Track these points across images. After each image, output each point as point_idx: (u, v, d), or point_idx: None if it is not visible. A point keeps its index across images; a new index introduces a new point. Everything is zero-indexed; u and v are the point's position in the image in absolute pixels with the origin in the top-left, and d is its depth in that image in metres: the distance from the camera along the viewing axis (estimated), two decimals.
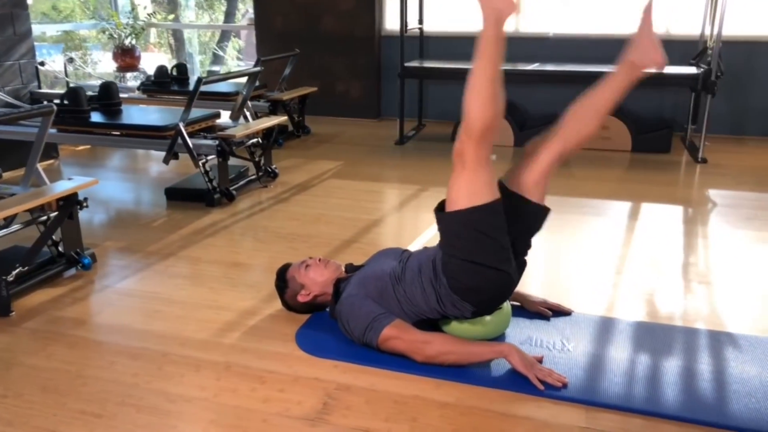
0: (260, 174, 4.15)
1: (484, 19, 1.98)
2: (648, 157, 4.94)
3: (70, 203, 2.69)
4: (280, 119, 4.25)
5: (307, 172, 4.49)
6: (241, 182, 4.01)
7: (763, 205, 3.75)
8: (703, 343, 2.18)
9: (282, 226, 3.39)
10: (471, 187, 2.01)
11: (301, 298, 2.32)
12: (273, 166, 4.29)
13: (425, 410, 1.84)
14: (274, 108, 5.24)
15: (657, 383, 1.93)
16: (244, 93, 4.25)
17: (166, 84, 5.67)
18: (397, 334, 2.05)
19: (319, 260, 2.37)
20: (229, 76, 4.12)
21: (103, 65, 8.81)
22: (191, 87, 5.73)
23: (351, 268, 2.37)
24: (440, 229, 2.10)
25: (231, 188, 3.80)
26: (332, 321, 2.30)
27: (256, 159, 4.11)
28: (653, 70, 2.13)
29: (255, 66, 5.21)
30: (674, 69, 5.06)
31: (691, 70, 4.92)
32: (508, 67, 5.29)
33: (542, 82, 5.81)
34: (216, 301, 2.53)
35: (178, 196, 3.81)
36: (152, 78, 5.69)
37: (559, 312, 2.40)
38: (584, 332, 2.25)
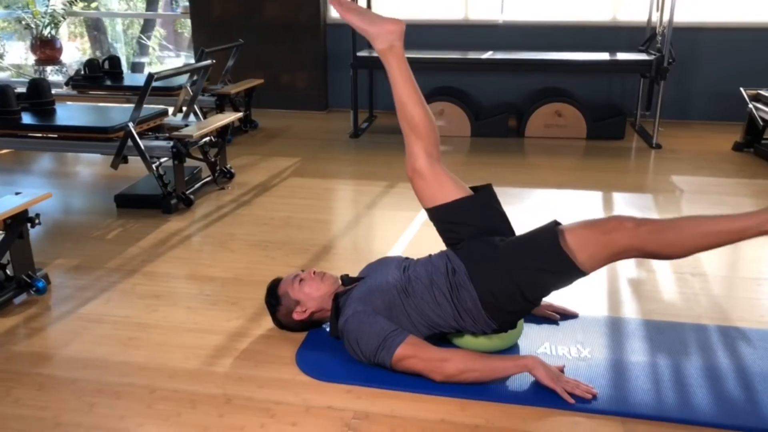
0: (216, 175, 3.88)
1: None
2: (603, 144, 4.98)
3: (20, 221, 2.38)
4: (236, 115, 3.99)
5: (264, 170, 4.25)
6: (197, 185, 3.73)
7: (727, 190, 3.82)
8: (715, 339, 2.14)
9: (251, 232, 3.16)
10: (589, 248, 1.87)
11: (296, 316, 2.13)
12: (228, 166, 4.03)
13: None
14: (221, 102, 4.94)
15: (685, 387, 1.87)
16: (194, 88, 3.96)
17: (99, 79, 5.26)
18: (413, 353, 1.90)
19: (314, 273, 2.18)
20: (181, 70, 3.81)
21: (12, 57, 8.16)
22: (126, 82, 5.39)
23: (348, 280, 2.19)
24: (535, 250, 1.91)
25: (188, 192, 3.52)
26: (332, 339, 2.13)
27: (211, 159, 3.84)
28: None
29: (199, 59, 4.90)
30: (626, 56, 5.11)
31: (644, 56, 4.97)
32: (459, 56, 5.21)
33: (494, 71, 5.77)
34: (197, 323, 2.30)
35: (130, 203, 3.50)
36: (82, 72, 5.25)
37: (566, 315, 2.31)
38: (596, 335, 2.17)
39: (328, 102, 6.27)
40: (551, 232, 1.91)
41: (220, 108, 4.92)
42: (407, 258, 2.21)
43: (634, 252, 1.86)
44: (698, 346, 2.10)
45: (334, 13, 6.09)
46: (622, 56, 5.08)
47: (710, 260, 2.81)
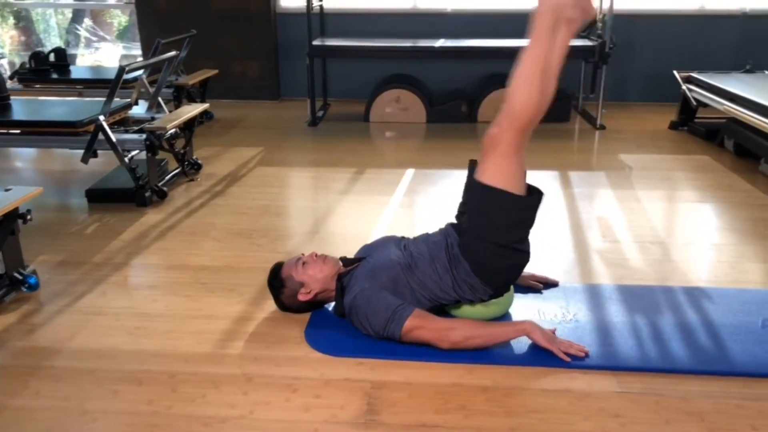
0: (186, 167, 3.89)
1: (542, 5, 1.92)
2: (551, 126, 5.22)
3: (11, 218, 2.37)
4: (203, 106, 3.99)
5: (230, 161, 4.27)
6: (167, 177, 3.73)
7: (670, 166, 4.13)
8: (682, 299, 2.38)
9: (232, 221, 3.22)
10: (508, 174, 2.00)
11: (302, 297, 2.23)
12: (195, 157, 4.04)
13: (470, 397, 1.86)
14: (179, 94, 4.91)
15: (663, 341, 2.09)
16: (159, 80, 3.94)
17: (45, 72, 5.11)
18: (421, 324, 2.04)
19: (316, 256, 2.28)
20: (150, 62, 3.78)
21: None
22: (73, 74, 5.25)
23: (348, 261, 2.30)
24: (478, 204, 2.04)
25: (160, 185, 3.52)
26: (335, 317, 2.24)
27: (180, 151, 3.84)
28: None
29: (153, 50, 4.84)
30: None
31: (586, 42, 5.25)
32: (410, 44, 5.35)
33: (445, 58, 5.94)
34: (200, 310, 2.36)
35: (102, 197, 3.47)
36: (28, 66, 5.09)
37: (547, 284, 2.50)
38: (578, 301, 2.37)
39: (280, 91, 6.29)
40: (474, 182, 2.06)
41: (177, 100, 4.88)
42: (403, 237, 2.35)
43: (515, 135, 1.97)
44: (669, 306, 2.33)
45: (284, 1, 6.11)
46: None
47: (667, 229, 3.07)
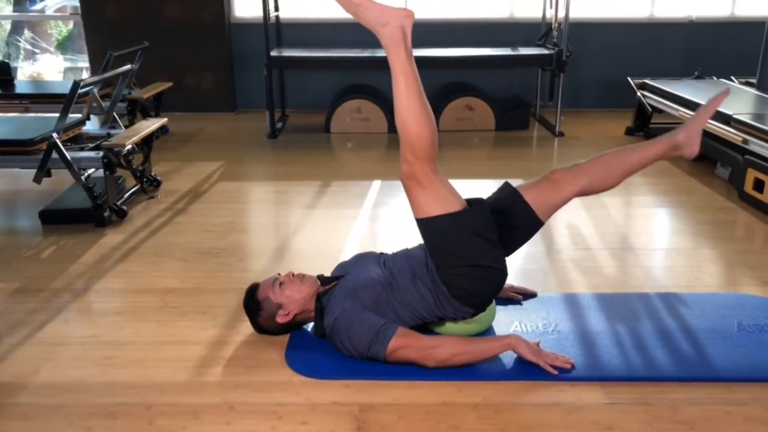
0: (145, 184, 3.75)
1: (389, 40, 1.94)
2: (511, 134, 5.29)
3: None
4: (162, 121, 3.87)
5: (189, 176, 4.15)
6: (125, 195, 3.59)
7: None
8: (659, 305, 2.41)
9: (197, 240, 3.11)
10: (440, 199, 1.99)
11: (280, 319, 2.16)
12: (153, 174, 3.90)
13: (460, 415, 1.82)
14: (132, 108, 4.75)
15: (646, 349, 2.10)
16: (114, 94, 3.79)
17: None
18: (406, 343, 1.99)
19: (293, 275, 2.21)
20: (106, 76, 3.63)
21: None
22: (18, 89, 5.03)
23: (325, 280, 2.24)
24: (430, 239, 2.03)
25: (119, 204, 3.38)
26: (315, 338, 2.18)
27: (138, 167, 3.70)
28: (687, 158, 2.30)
29: (105, 63, 4.68)
30: (528, 50, 5.45)
31: (543, 51, 5.33)
32: (368, 54, 5.33)
33: None
34: (173, 336, 2.26)
35: (57, 218, 3.30)
36: None
37: (526, 294, 2.50)
38: (557, 311, 2.37)
39: (236, 103, 6.17)
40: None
41: (131, 114, 4.73)
42: (382, 253, 2.30)
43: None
44: (646, 313, 2.35)
45: (238, 11, 6.00)
46: (524, 51, 5.41)
47: (634, 235, 3.12)
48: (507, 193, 2.20)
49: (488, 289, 2.08)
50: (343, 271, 2.27)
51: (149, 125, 3.68)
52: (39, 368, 2.07)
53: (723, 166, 3.97)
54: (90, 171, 3.36)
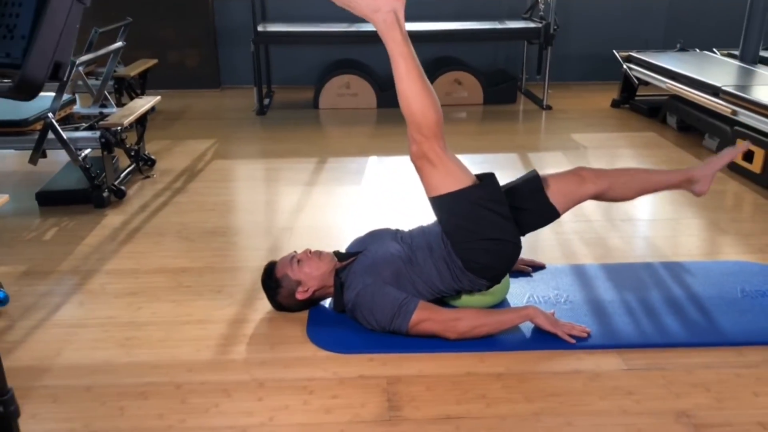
0: (140, 163, 3.71)
1: (383, 25, 1.98)
2: (499, 108, 5.33)
3: None
4: (156, 99, 3.81)
5: (182, 155, 4.11)
6: (121, 175, 3.55)
7: (621, 143, 4.29)
8: (663, 274, 2.48)
9: (201, 219, 3.10)
10: (452, 175, 2.05)
11: (299, 296, 2.18)
12: (147, 153, 3.86)
13: (486, 385, 1.88)
14: (120, 86, 4.66)
15: (656, 316, 2.18)
16: (105, 72, 3.72)
17: None
18: (428, 316, 2.04)
19: (311, 252, 2.23)
20: (99, 53, 3.55)
21: None
22: None
23: (342, 256, 2.26)
24: (443, 216, 2.09)
25: (117, 183, 3.35)
26: (334, 314, 2.21)
27: (133, 147, 3.65)
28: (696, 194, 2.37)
29: (90, 40, 4.56)
30: (515, 24, 5.46)
31: (530, 24, 5.35)
32: (355, 28, 5.29)
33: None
34: (191, 315, 2.27)
35: (54, 200, 3.26)
36: None
37: (535, 266, 2.56)
38: (567, 282, 2.44)
39: (221, 79, 6.09)
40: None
41: (118, 92, 4.64)
42: (397, 230, 2.33)
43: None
44: (653, 281, 2.43)
45: None
46: (512, 24, 5.43)
47: (633, 207, 3.19)
48: (528, 177, 2.23)
49: (502, 261, 2.12)
50: (359, 246, 2.30)
51: (144, 103, 3.62)
52: (61, 351, 2.07)
53: (711, 137, 4.06)
54: (86, 151, 3.31)
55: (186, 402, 1.82)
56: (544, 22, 5.14)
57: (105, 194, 3.24)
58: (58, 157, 3.66)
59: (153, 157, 3.87)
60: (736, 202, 3.31)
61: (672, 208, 3.21)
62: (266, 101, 5.48)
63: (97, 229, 3.00)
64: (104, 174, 3.29)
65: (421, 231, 2.24)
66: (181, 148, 4.27)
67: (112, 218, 3.12)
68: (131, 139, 3.72)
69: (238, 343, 2.10)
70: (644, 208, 3.21)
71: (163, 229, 3.00)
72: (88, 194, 3.22)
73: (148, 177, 3.69)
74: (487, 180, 2.10)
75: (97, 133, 3.22)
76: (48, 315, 2.28)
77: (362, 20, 6.12)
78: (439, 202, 2.07)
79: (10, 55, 0.97)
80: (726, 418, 1.73)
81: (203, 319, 2.24)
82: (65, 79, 3.08)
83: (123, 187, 3.35)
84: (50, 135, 3.12)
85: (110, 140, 3.22)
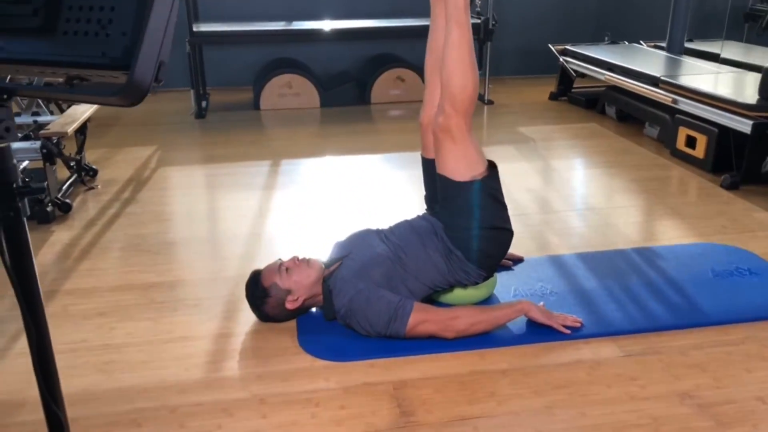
0: (82, 174, 3.47)
1: None
2: None
3: None
4: (94, 106, 3.57)
5: (124, 163, 3.89)
6: (63, 187, 3.31)
7: (566, 135, 4.40)
8: (637, 260, 2.56)
9: (160, 230, 2.93)
10: (468, 158, 2.06)
11: (289, 305, 2.09)
12: (87, 163, 3.62)
13: (493, 382, 1.87)
14: None
15: (640, 302, 2.23)
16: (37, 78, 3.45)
17: None
18: (425, 318, 2.00)
19: (299, 260, 2.15)
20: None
21: None
22: None
23: (326, 263, 2.19)
24: (457, 203, 2.08)
25: (60, 197, 3.12)
26: (324, 321, 2.14)
27: (75, 156, 3.42)
28: None
29: None
30: None
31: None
32: (292, 27, 5.18)
33: (331, 40, 5.83)
34: (171, 333, 2.14)
35: None
36: None
37: (514, 260, 2.57)
38: (549, 273, 2.46)
39: None
40: (442, 179, 2.12)
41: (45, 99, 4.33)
42: (378, 229, 2.27)
43: (469, 118, 2.09)
44: (629, 268, 2.49)
45: None
46: None
47: (591, 196, 3.28)
48: (428, 171, 2.27)
49: (502, 250, 2.14)
50: (342, 251, 2.23)
51: (85, 110, 3.39)
52: (32, 382, 1.89)
53: (652, 126, 4.23)
54: (24, 163, 3.07)
55: (185, 426, 1.71)
56: (482, 17, 5.20)
57: (49, 209, 3.02)
58: None
59: (94, 166, 3.64)
60: (685, 187, 3.46)
61: (628, 195, 3.31)
62: (203, 104, 5.28)
63: (45, 246, 2.78)
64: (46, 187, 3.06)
65: (408, 226, 2.20)
66: (122, 156, 4.04)
67: (61, 234, 2.90)
68: (70, 148, 3.48)
69: (229, 358, 2.00)
70: (603, 196, 3.29)
71: (120, 242, 2.82)
72: (30, 210, 2.98)
73: (91, 188, 3.46)
74: (495, 170, 2.12)
75: (37, 144, 2.99)
76: (9, 344, 2.09)
77: (300, 18, 6.04)
78: (453, 186, 2.07)
79: (106, 54, 0.87)
80: (727, 396, 1.79)
81: (185, 336, 2.11)
82: None
83: (68, 200, 3.12)
84: None
85: (53, 151, 3.00)
